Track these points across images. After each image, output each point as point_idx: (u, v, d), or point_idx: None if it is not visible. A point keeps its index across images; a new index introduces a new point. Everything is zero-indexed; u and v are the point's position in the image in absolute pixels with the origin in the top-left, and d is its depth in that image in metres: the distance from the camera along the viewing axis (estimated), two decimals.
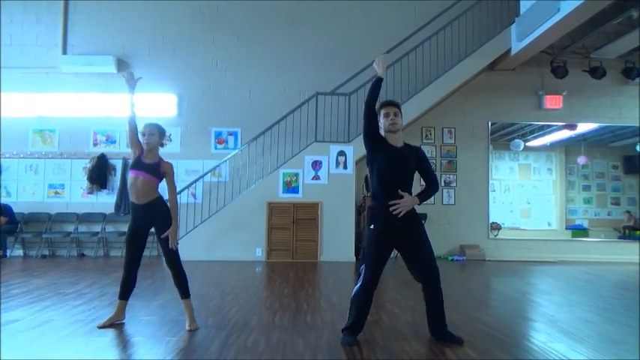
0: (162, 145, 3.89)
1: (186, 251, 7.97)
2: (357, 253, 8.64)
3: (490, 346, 3.31)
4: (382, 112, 3.49)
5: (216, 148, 9.14)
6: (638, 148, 10.90)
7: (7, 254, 8.46)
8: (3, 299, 4.76)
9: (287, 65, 9.32)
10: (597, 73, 9.11)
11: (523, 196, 12.04)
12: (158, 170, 3.78)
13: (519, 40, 8.32)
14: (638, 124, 9.80)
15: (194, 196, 8.64)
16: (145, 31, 9.25)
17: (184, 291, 3.86)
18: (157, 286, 5.77)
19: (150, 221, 3.82)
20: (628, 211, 12.20)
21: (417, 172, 3.58)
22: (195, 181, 8.62)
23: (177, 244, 3.83)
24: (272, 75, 9.29)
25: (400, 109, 3.53)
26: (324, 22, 9.40)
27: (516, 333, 3.66)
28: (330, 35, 9.36)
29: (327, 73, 9.06)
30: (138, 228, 3.83)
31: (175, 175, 3.96)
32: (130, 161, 3.86)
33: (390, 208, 3.36)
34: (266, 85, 9.27)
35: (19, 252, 8.77)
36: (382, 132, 3.51)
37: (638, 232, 11.05)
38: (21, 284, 5.67)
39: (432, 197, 9.28)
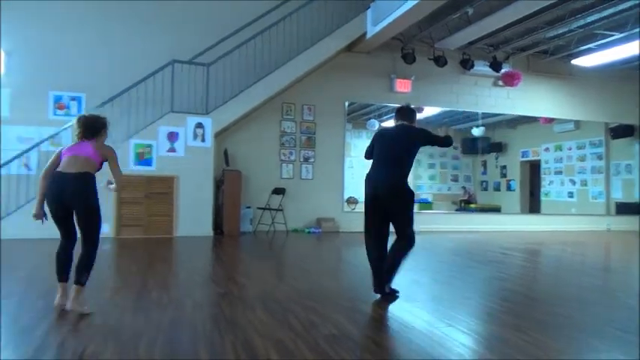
0: None
1: (19, 229, 7.09)
2: (215, 228, 8.48)
3: (331, 312, 3.47)
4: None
5: (55, 113, 8.17)
6: (473, 131, 12.32)
7: None
8: None
9: (143, 28, 8.63)
10: (440, 61, 10.03)
11: None
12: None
13: (374, 24, 8.76)
14: (473, 110, 11.06)
15: (27, 166, 7.65)
16: None
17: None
18: None
19: None
20: (464, 187, 13.84)
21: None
22: (28, 150, 7.62)
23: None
24: (126, 36, 8.53)
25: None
26: None
27: (358, 300, 3.91)
28: (191, 1, 8.85)
29: (186, 40, 8.58)
30: None
31: None
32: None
33: None
34: (118, 47, 8.48)
35: None
36: None
37: (472, 205, 12.61)
38: None
39: (292, 172, 9.50)
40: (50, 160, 3.47)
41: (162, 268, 5.53)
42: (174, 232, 8.10)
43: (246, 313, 3.37)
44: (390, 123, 12.87)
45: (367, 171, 4.03)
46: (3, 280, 4.41)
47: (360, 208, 10.71)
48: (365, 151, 4.22)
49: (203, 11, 8.85)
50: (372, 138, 4.18)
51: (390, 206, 3.86)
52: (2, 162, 7.41)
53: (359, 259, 6.62)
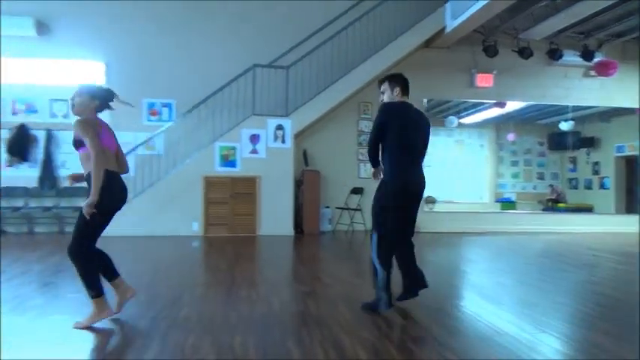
0: (100, 109, 3.31)
1: (117, 227, 7.70)
2: (295, 227, 8.70)
3: (417, 313, 3.45)
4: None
5: (149, 119, 8.78)
6: (561, 126, 11.61)
7: None
8: None
9: (225, 35, 9.03)
10: (525, 53, 9.54)
11: (458, 171, 12.57)
12: (77, 138, 3.08)
13: (454, 18, 8.52)
14: (561, 104, 10.43)
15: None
16: None
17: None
18: None
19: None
20: (551, 185, 13.08)
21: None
22: (127, 153, 8.24)
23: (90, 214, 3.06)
24: (210, 44, 8.98)
25: (388, 81, 3.59)
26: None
27: (442, 300, 3.85)
28: (270, 7, 9.13)
29: (265, 44, 8.86)
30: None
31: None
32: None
33: None
34: (203, 55, 8.95)
35: None
36: None
37: (560, 205, 11.89)
38: None
39: (370, 172, 9.49)
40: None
41: (249, 266, 5.77)
42: (257, 231, 8.41)
43: (331, 312, 3.44)
44: (470, 119, 12.30)
45: (395, 163, 3.43)
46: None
47: (440, 207, 10.57)
48: (374, 136, 3.45)
49: (281, 16, 9.09)
50: (382, 118, 3.42)
51: (417, 205, 3.62)
52: None
53: (440, 258, 6.50)
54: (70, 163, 8.35)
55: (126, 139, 8.50)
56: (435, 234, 9.04)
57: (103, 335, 2.94)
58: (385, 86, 3.55)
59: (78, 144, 3.11)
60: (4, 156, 8.19)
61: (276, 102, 8.60)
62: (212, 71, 8.75)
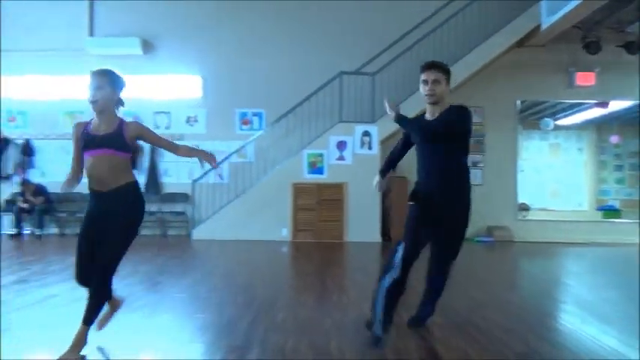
0: (121, 103, 2.76)
1: (213, 231, 8.20)
2: (383, 234, 8.64)
3: (518, 326, 3.29)
4: (421, 77, 3.02)
5: (241, 129, 9.20)
6: None
7: (42, 233, 8.72)
8: (43, 275, 4.94)
9: (311, 45, 9.24)
10: (632, 48, 8.75)
11: (553, 176, 11.81)
12: (123, 139, 2.62)
13: (550, 14, 8.05)
14: None
15: (220, 176, 8.75)
16: (170, 12, 9.26)
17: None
18: (186, 265, 5.90)
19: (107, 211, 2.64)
20: None
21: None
22: (221, 162, 8.71)
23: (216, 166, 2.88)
24: (296, 55, 9.23)
25: (446, 73, 3.01)
26: (348, 1, 9.24)
27: (544, 314, 3.64)
28: (354, 14, 9.21)
29: (351, 52, 8.95)
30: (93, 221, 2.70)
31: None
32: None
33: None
34: (290, 66, 9.22)
35: (55, 230, 9.06)
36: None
37: None
38: (58, 261, 5.88)
39: None
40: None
41: (338, 272, 5.84)
42: (344, 237, 8.47)
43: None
44: (568, 121, 11.47)
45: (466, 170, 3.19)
46: (207, 277, 5.11)
47: (534, 215, 9.99)
48: (469, 143, 3.16)
49: (366, 22, 9.13)
50: (470, 117, 3.12)
51: None
52: (201, 173, 8.62)
53: (539, 269, 6.14)
54: (172, 170, 9.02)
55: (220, 147, 9.02)
56: (529, 244, 8.56)
57: (213, 334, 3.11)
58: (441, 75, 3.00)
59: (124, 146, 2.63)
60: None
61: (363, 108, 8.64)
62: (299, 81, 8.98)
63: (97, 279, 2.57)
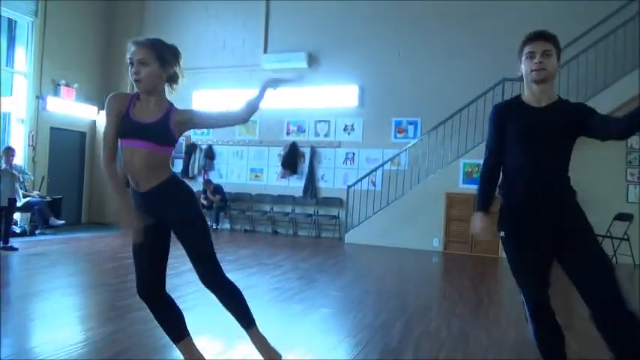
0: (175, 80, 2.21)
1: (364, 236, 8.45)
2: None
3: None
4: (525, 50, 2.32)
5: (396, 137, 9.32)
6: None
7: (218, 227, 9.92)
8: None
9: (468, 53, 8.93)
10: None
11: None
12: (168, 130, 2.13)
13: None
14: None
15: (374, 183, 8.98)
16: (332, 27, 9.81)
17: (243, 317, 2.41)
18: (340, 266, 6.21)
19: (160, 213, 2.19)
20: None
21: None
22: (375, 169, 8.94)
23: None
24: (453, 63, 9.03)
25: (557, 46, 2.29)
26: (506, 9, 8.75)
27: None
28: (513, 21, 8.68)
29: (513, 57, 8.43)
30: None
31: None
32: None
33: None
34: (447, 74, 9.05)
35: (227, 226, 10.24)
36: (524, 82, 2.35)
37: None
38: (231, 253, 6.66)
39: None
40: None
41: (494, 287, 5.59)
42: (500, 252, 8.03)
43: (592, 350, 3.08)
44: None
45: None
46: (360, 279, 5.31)
47: None
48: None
49: (528, 24, 8.53)
50: None
51: None
52: (356, 179, 8.96)
53: None
54: (328, 176, 9.53)
55: (375, 155, 9.29)
56: None
57: (368, 334, 3.27)
58: (552, 47, 2.28)
59: (167, 140, 2.15)
60: (279, 169, 9.89)
61: None
62: (456, 88, 8.76)
63: (214, 281, 2.35)
